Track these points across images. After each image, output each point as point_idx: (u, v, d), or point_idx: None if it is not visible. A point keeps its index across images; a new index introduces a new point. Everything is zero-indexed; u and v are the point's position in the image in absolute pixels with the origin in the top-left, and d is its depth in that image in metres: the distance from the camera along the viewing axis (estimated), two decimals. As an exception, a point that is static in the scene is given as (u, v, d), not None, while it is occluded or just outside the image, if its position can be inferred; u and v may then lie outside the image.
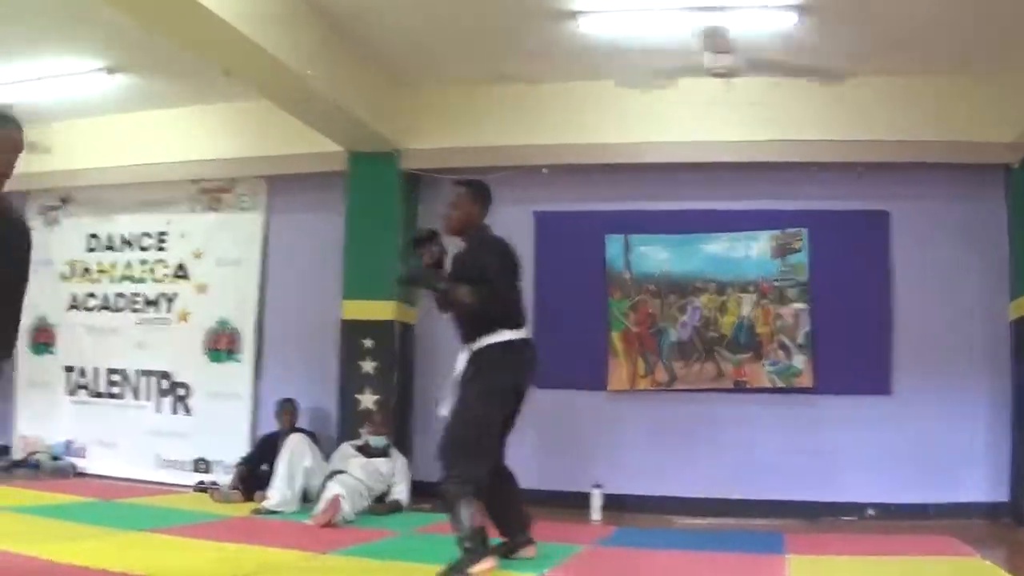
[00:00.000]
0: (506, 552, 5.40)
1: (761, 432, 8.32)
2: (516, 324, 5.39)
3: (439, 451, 5.18)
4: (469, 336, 5.39)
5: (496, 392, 5.25)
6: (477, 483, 5.06)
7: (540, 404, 7.95)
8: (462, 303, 5.24)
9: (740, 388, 8.40)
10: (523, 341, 5.41)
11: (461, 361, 5.40)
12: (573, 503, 8.00)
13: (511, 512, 5.54)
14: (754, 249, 8.43)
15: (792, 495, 8.05)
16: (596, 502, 7.92)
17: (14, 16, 7.37)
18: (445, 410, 5.39)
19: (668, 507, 8.15)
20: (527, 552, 5.47)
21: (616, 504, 8.04)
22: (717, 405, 8.44)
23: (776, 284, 8.37)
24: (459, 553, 4.90)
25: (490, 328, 5.30)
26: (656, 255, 8.60)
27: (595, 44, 7.53)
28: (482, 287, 5.20)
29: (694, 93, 8.03)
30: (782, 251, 8.36)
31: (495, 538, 5.35)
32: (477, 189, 5.63)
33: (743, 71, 7.10)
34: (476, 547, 4.91)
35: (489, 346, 5.28)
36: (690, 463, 8.35)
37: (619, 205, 8.74)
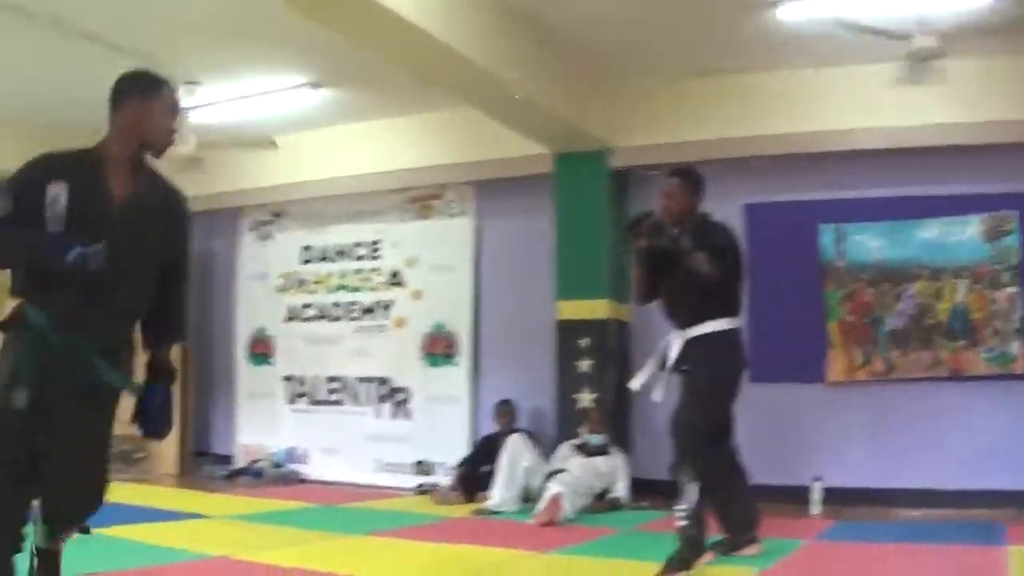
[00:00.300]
0: (727, 549, 5.68)
1: (979, 420, 8.41)
2: (735, 312, 5.63)
3: (674, 438, 5.42)
4: (687, 321, 5.57)
5: (728, 381, 5.58)
6: (709, 474, 5.33)
7: (759, 398, 8.27)
8: (698, 270, 5.31)
9: (957, 376, 8.52)
10: (739, 331, 5.66)
11: (675, 347, 5.60)
12: (793, 497, 8.21)
13: (738, 507, 5.76)
14: (966, 233, 8.55)
15: (1013, 484, 8.08)
16: (816, 495, 8.16)
17: (228, 38, 8.22)
18: (659, 395, 5.72)
19: (887, 499, 8.35)
20: (749, 550, 5.71)
21: (836, 497, 8.22)
22: (934, 394, 8.58)
23: (990, 269, 8.48)
24: (679, 546, 5.16)
25: (712, 314, 5.50)
26: (869, 243, 8.82)
27: (796, 31, 7.77)
28: (718, 260, 5.36)
29: (893, 77, 7.87)
30: (993, 234, 8.49)
31: (714, 535, 5.63)
32: (690, 176, 5.79)
33: (948, 52, 7.10)
34: (697, 538, 5.20)
35: (714, 334, 5.50)
36: (908, 453, 8.53)
37: (830, 194, 8.99)
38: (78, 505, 3.81)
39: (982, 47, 7.72)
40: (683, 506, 5.22)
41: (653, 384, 5.82)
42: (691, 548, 5.18)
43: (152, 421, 3.89)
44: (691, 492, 5.24)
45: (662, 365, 5.75)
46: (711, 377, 5.53)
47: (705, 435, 5.44)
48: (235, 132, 10.29)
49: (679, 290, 5.61)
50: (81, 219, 3.50)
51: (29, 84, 9.29)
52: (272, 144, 10.21)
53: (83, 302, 3.56)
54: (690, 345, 5.56)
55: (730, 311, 5.62)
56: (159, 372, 3.98)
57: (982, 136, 8.25)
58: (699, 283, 5.39)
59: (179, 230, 3.95)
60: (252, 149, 10.51)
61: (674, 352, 5.62)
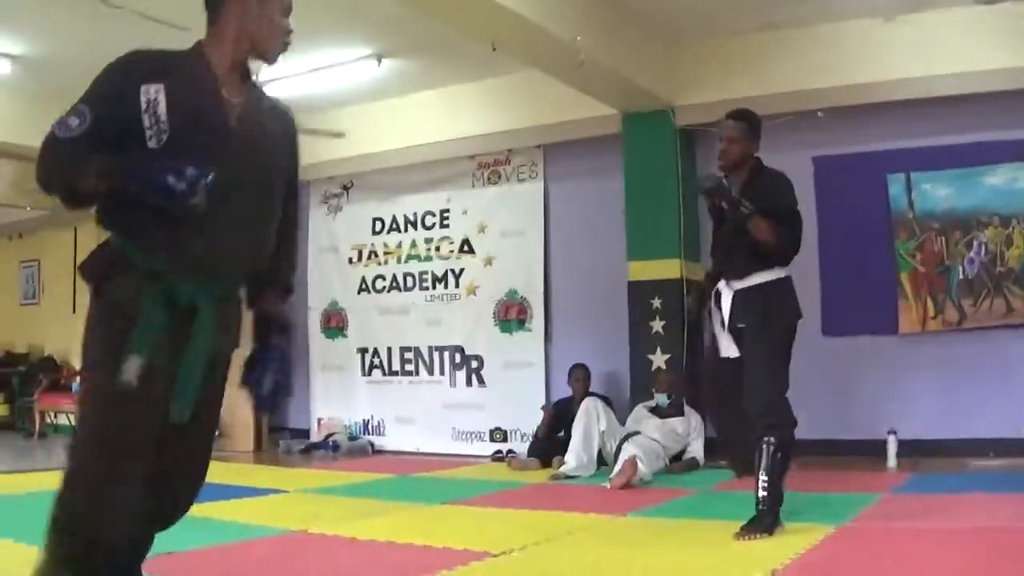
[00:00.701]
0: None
1: None
2: (786, 262, 5.51)
3: (750, 401, 5.32)
4: (742, 271, 5.50)
5: (789, 334, 5.46)
6: (793, 430, 5.30)
7: (832, 351, 8.78)
8: (759, 237, 5.33)
9: None
10: (790, 279, 5.56)
11: (726, 299, 5.57)
12: (869, 451, 8.45)
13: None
14: None
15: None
16: (892, 448, 8.31)
17: (299, 11, 8.70)
18: (730, 351, 5.57)
19: (962, 450, 8.45)
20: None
21: (911, 449, 8.37)
22: (1008, 342, 8.67)
23: None
24: (759, 510, 5.15)
25: (767, 263, 5.43)
26: (938, 192, 8.93)
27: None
28: (782, 227, 5.36)
29: (962, 22, 8.26)
30: None
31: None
32: (752, 120, 5.73)
33: None
34: (774, 508, 5.15)
35: (769, 284, 5.44)
36: (982, 403, 8.57)
37: (897, 143, 9.05)
38: (179, 506, 3.33)
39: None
40: (768, 485, 5.17)
41: (719, 342, 5.75)
42: (773, 516, 5.18)
43: (268, 389, 3.30)
44: (779, 464, 5.21)
45: (722, 322, 5.67)
46: (776, 331, 5.45)
47: (781, 394, 5.35)
48: (305, 122, 10.70)
49: (731, 239, 5.58)
50: (189, 131, 2.94)
51: (70, 61, 9.40)
52: (340, 135, 10.76)
53: (201, 242, 2.98)
54: (748, 296, 5.50)
55: (786, 260, 5.55)
56: (273, 327, 3.41)
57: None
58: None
59: (294, 151, 3.43)
60: (322, 136, 10.93)
61: (725, 304, 5.60)
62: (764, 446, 5.19)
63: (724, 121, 5.77)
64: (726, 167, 5.67)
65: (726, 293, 5.59)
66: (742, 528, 5.11)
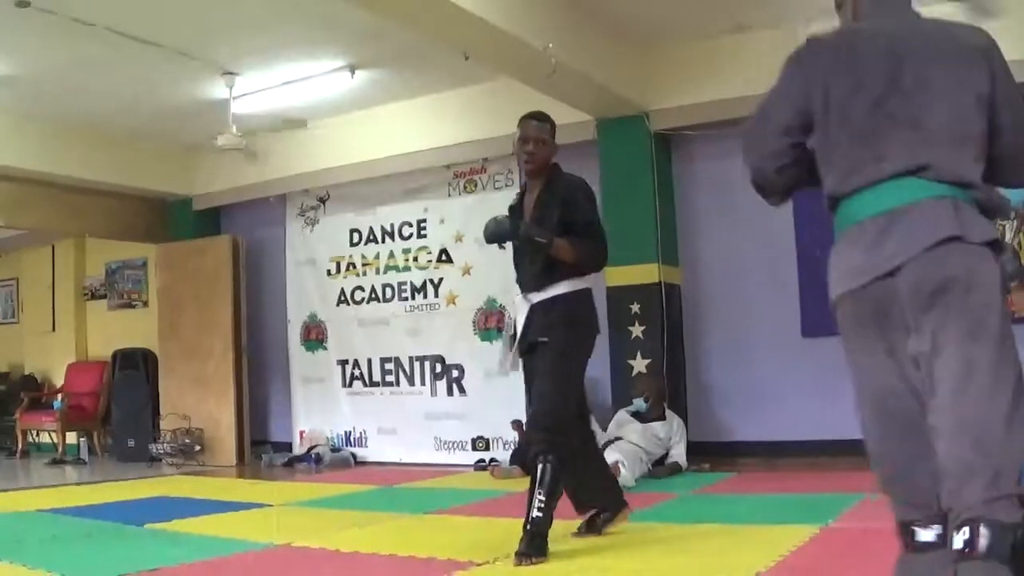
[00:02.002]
0: (604, 524, 5.60)
1: None
2: (587, 273, 5.34)
3: (536, 414, 5.17)
4: (538, 283, 5.29)
5: (586, 349, 5.30)
6: (567, 456, 5.06)
7: (811, 352, 8.65)
8: (563, 259, 5.18)
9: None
10: (590, 292, 5.38)
11: (522, 313, 5.37)
12: (851, 451, 8.36)
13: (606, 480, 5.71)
14: None
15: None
16: None
17: (262, 25, 8.56)
18: (511, 367, 5.50)
19: None
20: (622, 518, 5.64)
21: None
22: None
23: None
24: (530, 531, 4.92)
25: (564, 275, 5.23)
26: None
27: (831, -21, 8.19)
28: (587, 242, 5.21)
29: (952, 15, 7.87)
30: None
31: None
32: (551, 121, 5.57)
33: None
34: (544, 530, 4.97)
35: (564, 296, 5.23)
36: None
37: None
38: None
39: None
40: (541, 496, 4.96)
41: (505, 360, 5.59)
42: (544, 538, 4.97)
43: None
44: (553, 479, 4.99)
45: (513, 339, 5.46)
46: (567, 346, 5.19)
47: (571, 412, 5.14)
48: (269, 117, 10.82)
49: (524, 250, 5.47)
50: None
51: (46, 80, 9.68)
52: (303, 124, 10.80)
53: None
54: (546, 309, 5.26)
55: (579, 272, 5.30)
56: None
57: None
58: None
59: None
60: (285, 130, 10.97)
61: (522, 318, 5.37)
62: (545, 464, 4.98)
63: (527, 122, 5.55)
64: (534, 171, 5.54)
65: (523, 307, 5.39)
66: (518, 554, 4.85)
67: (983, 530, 2.48)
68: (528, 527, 4.92)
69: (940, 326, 2.69)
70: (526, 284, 5.41)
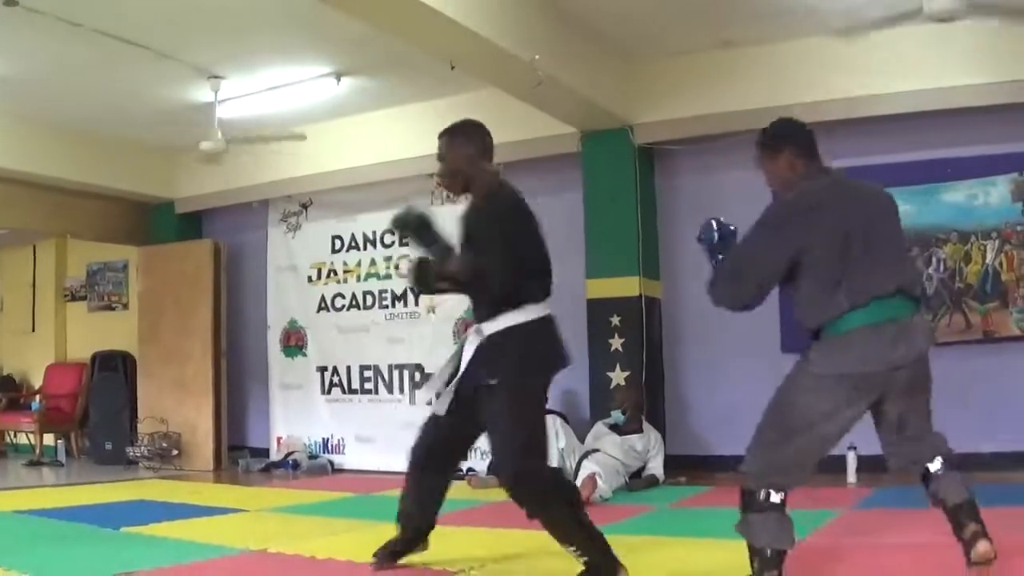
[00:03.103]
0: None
1: (1012, 382, 8.53)
2: (536, 299, 4.65)
3: (499, 467, 4.78)
4: (488, 313, 4.64)
5: (543, 384, 4.75)
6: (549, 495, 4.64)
7: (788, 370, 9.05)
8: (457, 278, 4.66)
9: (989, 339, 8.71)
10: (545, 320, 4.68)
11: (469, 348, 4.68)
12: (829, 467, 7.91)
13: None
14: (993, 195, 8.65)
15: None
16: (851, 464, 8.26)
17: (248, 30, 8.56)
18: (440, 408, 4.80)
19: None
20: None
21: (871, 465, 7.70)
22: (966, 358, 8.59)
23: (1019, 229, 8.58)
24: (588, 566, 4.51)
25: (514, 303, 4.57)
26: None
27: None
28: (479, 259, 4.58)
29: (919, 40, 8.33)
30: (1022, 194, 8.57)
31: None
32: (461, 132, 4.93)
33: (964, 14, 7.25)
34: (597, 553, 4.57)
35: (514, 328, 4.58)
36: (942, 419, 7.32)
37: (855, 161, 8.39)
38: None
39: (1000, 9, 7.80)
40: (570, 547, 4.60)
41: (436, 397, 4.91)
42: (605, 558, 4.58)
43: None
44: (567, 525, 4.64)
45: (453, 375, 4.80)
46: (525, 382, 4.62)
47: (522, 452, 4.56)
48: (265, 128, 10.78)
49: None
50: None
51: (34, 80, 9.68)
52: (302, 137, 10.69)
53: None
54: (488, 346, 4.64)
55: (530, 298, 4.65)
56: None
57: (1008, 96, 8.33)
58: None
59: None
60: (282, 141, 10.91)
61: (468, 353, 4.70)
62: (545, 520, 4.60)
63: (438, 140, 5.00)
64: (450, 191, 5.42)
65: (472, 341, 4.70)
66: None
67: None
68: (586, 566, 4.51)
69: (906, 399, 4.15)
70: (477, 315, 4.78)
